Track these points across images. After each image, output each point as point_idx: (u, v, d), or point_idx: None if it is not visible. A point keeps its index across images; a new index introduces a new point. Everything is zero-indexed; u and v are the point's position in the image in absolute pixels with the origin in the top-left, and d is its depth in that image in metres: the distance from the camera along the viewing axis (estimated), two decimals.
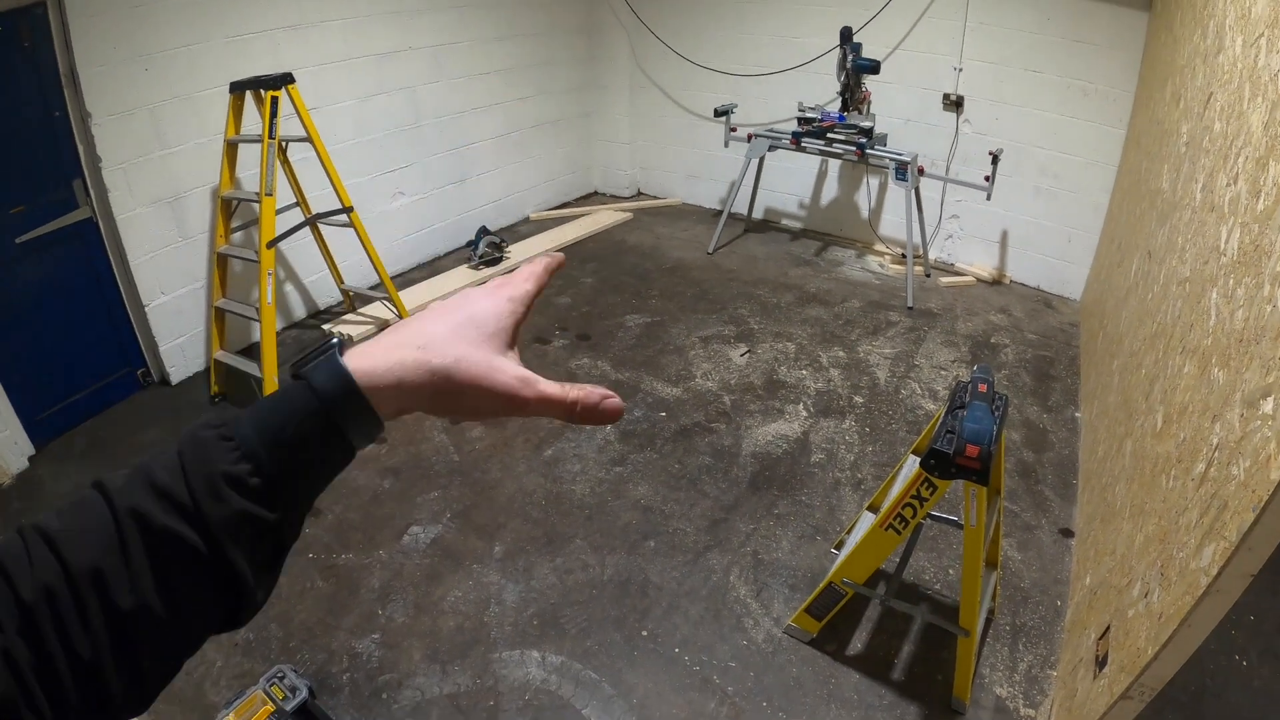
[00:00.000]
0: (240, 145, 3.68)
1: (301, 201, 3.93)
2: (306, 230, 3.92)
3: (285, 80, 3.53)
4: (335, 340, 0.54)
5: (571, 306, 4.66)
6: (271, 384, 3.49)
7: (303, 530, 0.52)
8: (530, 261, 0.64)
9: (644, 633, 2.54)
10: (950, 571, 2.77)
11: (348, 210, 3.84)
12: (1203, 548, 1.50)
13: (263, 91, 3.49)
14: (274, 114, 3.48)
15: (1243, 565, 1.43)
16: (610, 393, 0.57)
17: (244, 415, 0.50)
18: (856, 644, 2.53)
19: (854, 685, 2.38)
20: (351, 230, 3.91)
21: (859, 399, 3.77)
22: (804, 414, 3.65)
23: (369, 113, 4.47)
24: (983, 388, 2.10)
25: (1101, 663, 1.94)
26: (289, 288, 4.33)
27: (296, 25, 4.02)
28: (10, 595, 0.44)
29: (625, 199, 6.50)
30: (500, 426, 3.53)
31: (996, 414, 2.14)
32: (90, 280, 3.65)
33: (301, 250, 4.17)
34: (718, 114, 5.24)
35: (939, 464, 2.02)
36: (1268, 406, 1.36)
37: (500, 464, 3.31)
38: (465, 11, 4.87)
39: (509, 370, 0.55)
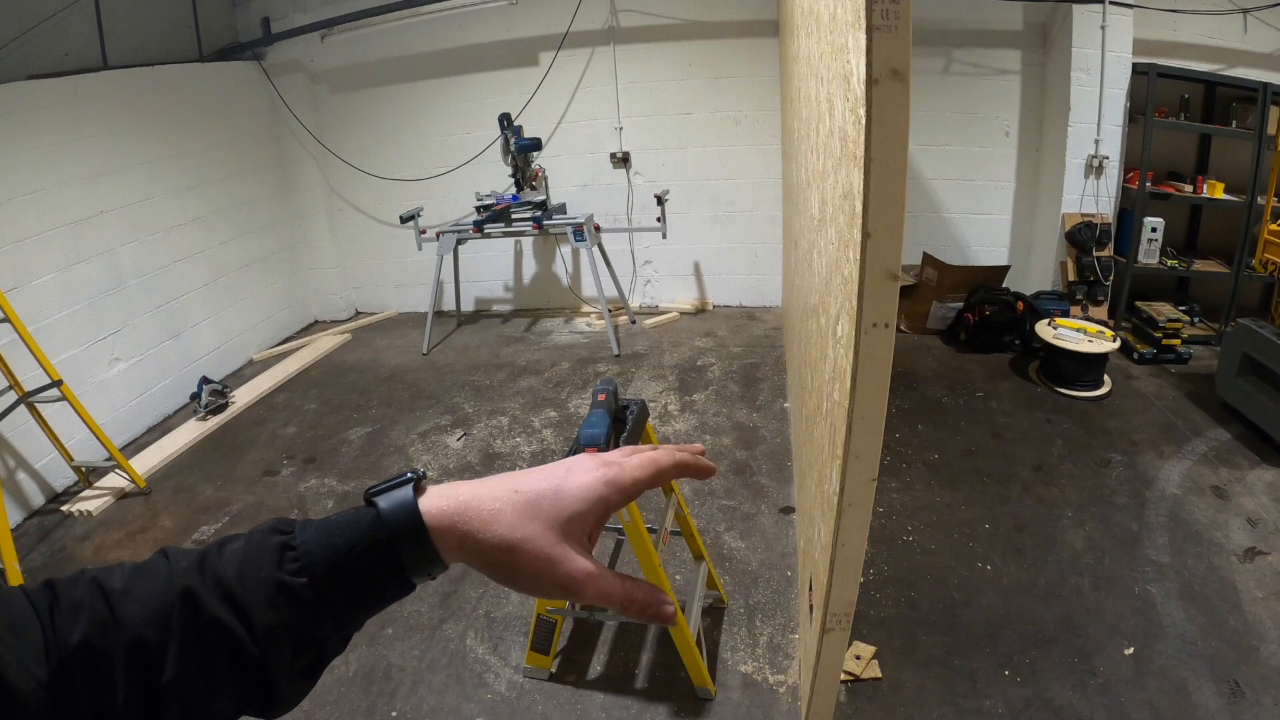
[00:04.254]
0: None
1: (14, 383, 3.82)
2: (26, 413, 3.85)
3: None
4: (411, 475, 0.55)
5: (297, 434, 4.69)
6: (15, 573, 3.32)
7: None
8: (666, 450, 0.61)
9: (393, 714, 2.59)
10: (677, 577, 3.05)
11: (57, 384, 3.82)
12: (832, 472, 1.75)
13: None
14: None
15: (859, 473, 1.70)
16: (665, 597, 0.57)
17: (311, 528, 0.53)
18: (596, 667, 2.69)
19: (600, 705, 2.53)
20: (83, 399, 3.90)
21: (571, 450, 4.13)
22: None
23: (72, 282, 4.44)
24: (601, 397, 2.36)
25: (813, 610, 2.16)
26: (21, 475, 4.13)
27: None
28: (55, 637, 0.47)
29: (344, 321, 6.56)
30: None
31: (630, 417, 2.50)
32: None
33: (27, 434, 4.03)
34: (403, 220, 5.45)
35: None
36: (840, 328, 1.64)
37: None
38: (154, 166, 4.95)
39: (572, 564, 0.54)
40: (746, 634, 2.78)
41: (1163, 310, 4.70)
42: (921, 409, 4.31)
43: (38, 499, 4.19)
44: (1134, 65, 4.72)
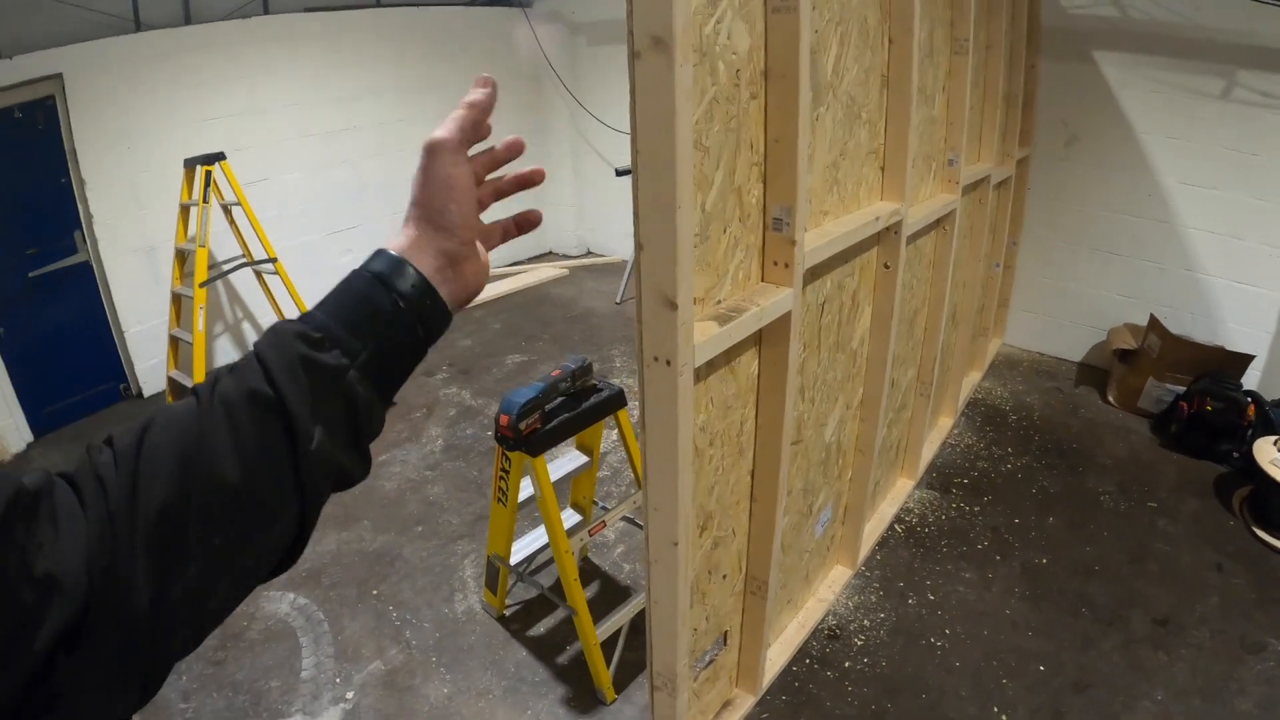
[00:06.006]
0: (192, 208, 4.48)
1: (246, 252, 4.65)
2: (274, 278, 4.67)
3: (218, 158, 4.27)
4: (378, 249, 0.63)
5: (470, 348, 5.09)
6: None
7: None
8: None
9: (374, 592, 2.95)
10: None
11: (273, 260, 4.56)
12: None
13: (198, 167, 4.33)
14: (208, 183, 4.23)
15: (659, 529, 1.62)
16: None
17: (315, 311, 0.58)
18: (540, 628, 2.76)
19: (517, 661, 2.62)
20: (306, 280, 4.56)
21: None
22: (615, 436, 3.90)
23: (317, 182, 5.17)
24: (555, 373, 2.32)
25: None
26: (246, 326, 5.07)
27: (250, 111, 4.79)
28: (120, 506, 0.48)
29: (574, 257, 6.90)
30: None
31: (594, 399, 2.37)
32: (86, 309, 4.50)
33: (259, 295, 4.86)
34: (619, 174, 5.52)
35: (496, 435, 2.30)
36: None
37: None
38: (409, 93, 5.50)
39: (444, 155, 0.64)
40: None
41: None
42: (1068, 498, 3.45)
43: None
44: None
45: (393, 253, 0.62)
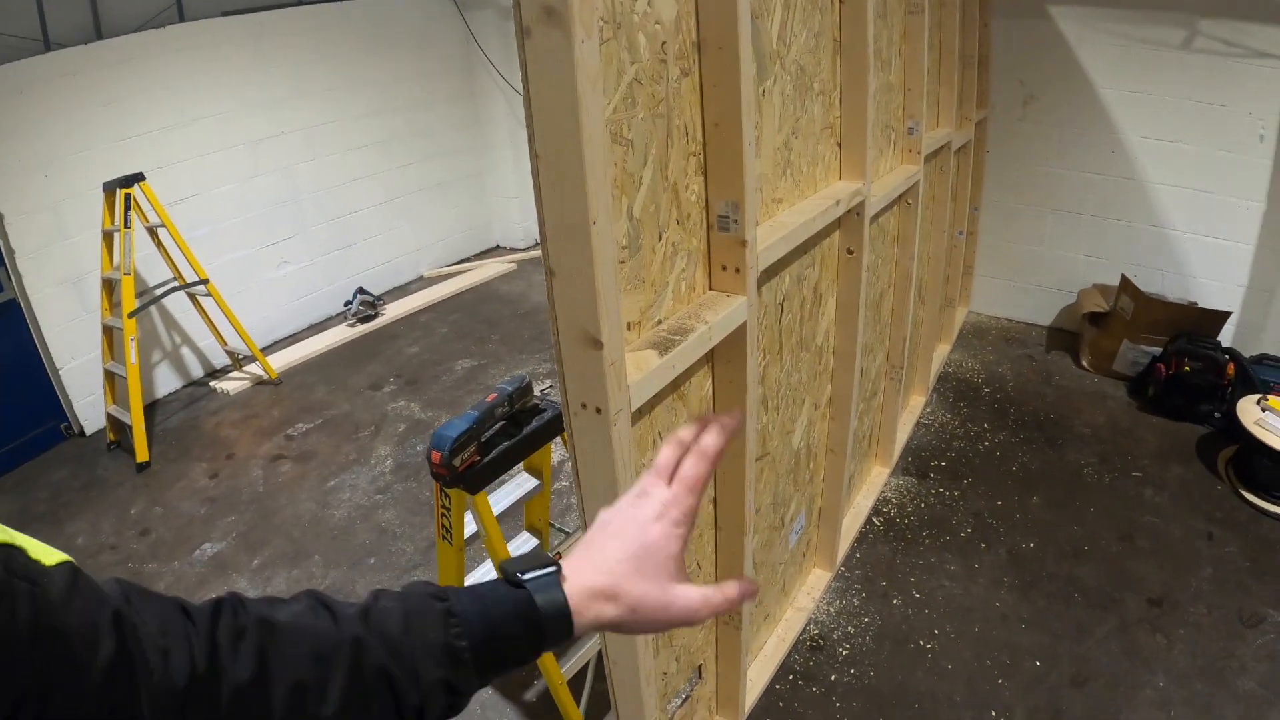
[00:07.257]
0: (115, 234, 4.11)
1: (177, 274, 4.31)
2: (208, 299, 4.35)
3: (137, 179, 3.91)
4: (556, 567, 0.62)
5: (416, 355, 4.77)
6: (139, 431, 3.86)
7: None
8: (689, 462, 0.68)
9: None
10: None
11: (204, 282, 4.22)
12: None
13: (117, 190, 3.95)
14: (128, 207, 3.90)
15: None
16: (745, 582, 0.66)
17: (468, 600, 0.59)
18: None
19: (482, 700, 2.39)
20: (244, 297, 4.33)
21: None
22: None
23: (249, 193, 4.79)
24: (491, 397, 2.06)
25: None
26: (185, 350, 4.69)
27: (173, 125, 4.40)
28: (217, 661, 0.49)
29: (520, 250, 6.49)
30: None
31: (536, 423, 2.15)
32: (18, 349, 4.10)
33: (196, 318, 4.55)
34: None
35: (431, 472, 2.04)
36: None
37: (289, 494, 3.52)
38: (337, 93, 5.12)
39: (682, 601, 0.62)
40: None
41: None
42: (1049, 475, 3.26)
43: (197, 372, 4.74)
44: None
45: (567, 602, 0.60)
